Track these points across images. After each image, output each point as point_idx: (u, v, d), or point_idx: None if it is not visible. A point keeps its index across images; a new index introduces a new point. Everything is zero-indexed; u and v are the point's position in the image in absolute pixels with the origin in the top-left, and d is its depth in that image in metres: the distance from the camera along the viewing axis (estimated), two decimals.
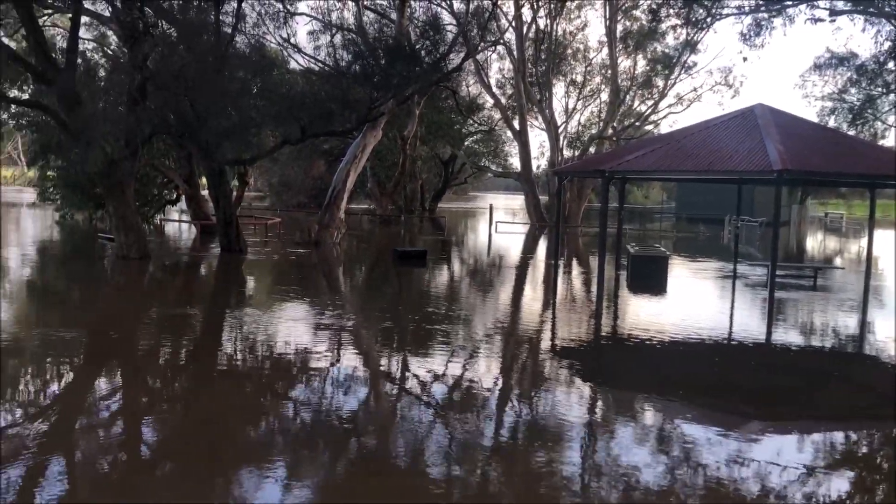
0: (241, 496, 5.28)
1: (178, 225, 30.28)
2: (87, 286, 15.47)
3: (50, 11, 24.38)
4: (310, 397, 7.85)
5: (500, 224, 35.04)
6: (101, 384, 8.32)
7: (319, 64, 25.74)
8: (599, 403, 8.03)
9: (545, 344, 11.04)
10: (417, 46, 21.75)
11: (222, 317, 12.56)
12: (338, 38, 26.36)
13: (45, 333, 10.34)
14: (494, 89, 40.97)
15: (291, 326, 11.38)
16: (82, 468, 5.75)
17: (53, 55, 17.26)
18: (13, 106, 24.89)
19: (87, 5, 20.31)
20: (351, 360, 9.62)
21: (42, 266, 18.55)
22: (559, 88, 44.24)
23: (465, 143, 48.90)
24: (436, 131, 41.96)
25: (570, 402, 7.79)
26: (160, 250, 21.50)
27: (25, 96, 22.54)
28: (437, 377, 8.63)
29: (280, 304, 13.58)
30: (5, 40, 21.40)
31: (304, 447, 6.33)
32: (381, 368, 9.29)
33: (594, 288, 16.86)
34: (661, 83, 40.07)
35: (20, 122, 28.73)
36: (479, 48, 29.95)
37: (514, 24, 37.17)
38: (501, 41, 36.66)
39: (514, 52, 37.67)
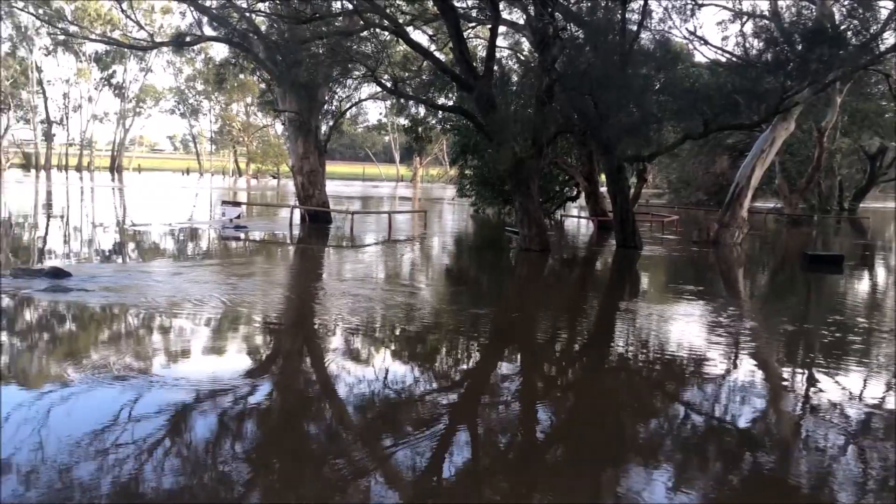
0: (627, 492, 5.21)
1: (576, 221, 31.45)
2: (495, 273, 16.86)
3: (473, 24, 27.09)
4: (701, 400, 7.48)
5: None
6: (503, 362, 9.02)
7: (727, 55, 24.54)
8: None
9: None
10: (842, 28, 19.47)
11: (615, 310, 12.67)
12: (748, 26, 24.91)
13: (460, 310, 11.50)
14: None
15: (685, 326, 11.01)
16: (483, 442, 6.22)
17: (474, 64, 19.05)
18: (440, 112, 28.28)
19: (503, 15, 22.02)
20: (749, 366, 8.98)
21: (458, 253, 20.73)
22: None
23: None
24: (861, 121, 37.30)
25: None
26: (559, 244, 22.51)
27: (450, 103, 25.32)
28: (850, 396, 7.60)
29: (675, 303, 13.25)
30: (436, 53, 24.24)
31: (693, 453, 6.04)
32: (784, 379, 8.48)
33: None
34: None
35: (445, 126, 32.63)
36: None
37: None
38: None
39: None
